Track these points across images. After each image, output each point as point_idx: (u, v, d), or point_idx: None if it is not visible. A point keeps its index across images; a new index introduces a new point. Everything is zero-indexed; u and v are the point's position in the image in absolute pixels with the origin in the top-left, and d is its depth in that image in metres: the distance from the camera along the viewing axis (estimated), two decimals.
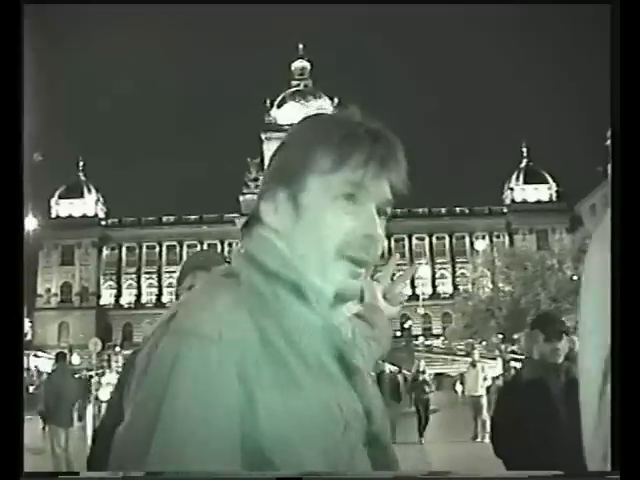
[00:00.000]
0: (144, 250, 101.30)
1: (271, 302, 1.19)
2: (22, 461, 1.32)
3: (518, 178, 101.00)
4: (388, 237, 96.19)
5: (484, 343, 52.19)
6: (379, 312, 1.83)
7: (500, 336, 50.82)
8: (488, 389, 19.36)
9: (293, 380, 1.13)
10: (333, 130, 1.27)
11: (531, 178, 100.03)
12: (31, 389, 14.44)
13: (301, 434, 1.11)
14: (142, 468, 1.04)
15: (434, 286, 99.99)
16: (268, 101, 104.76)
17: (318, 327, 1.21)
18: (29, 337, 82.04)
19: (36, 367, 42.94)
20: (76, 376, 14.73)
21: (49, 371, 16.92)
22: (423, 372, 20.43)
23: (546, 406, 4.12)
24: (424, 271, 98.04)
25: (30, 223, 50.10)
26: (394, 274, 1.99)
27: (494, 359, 51.62)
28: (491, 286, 53.92)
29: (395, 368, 21.08)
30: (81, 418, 20.56)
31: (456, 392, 35.76)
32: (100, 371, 29.51)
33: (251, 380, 1.10)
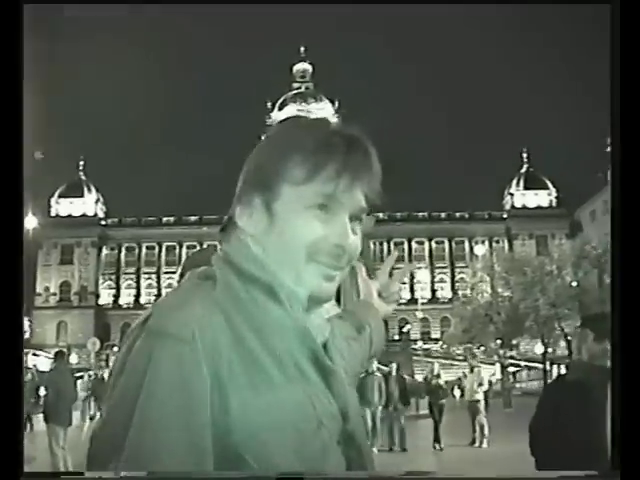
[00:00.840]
0: (144, 250, 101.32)
1: (246, 303, 1.21)
2: (22, 461, 1.32)
3: (518, 183, 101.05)
4: (388, 241, 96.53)
5: (482, 348, 52.11)
6: (373, 310, 1.85)
7: (499, 341, 50.79)
8: (486, 394, 19.30)
9: (266, 379, 1.15)
10: (308, 138, 1.26)
11: (531, 184, 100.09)
12: (42, 391, 14.32)
13: (273, 432, 1.13)
14: (117, 467, 1.06)
15: (433, 290, 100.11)
16: (269, 103, 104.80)
17: (291, 328, 1.22)
18: (27, 336, 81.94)
19: (34, 366, 42.96)
20: (78, 375, 14.69)
21: (48, 370, 16.89)
22: (438, 376, 19.90)
23: (590, 410, 3.77)
24: (423, 275, 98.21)
25: (30, 222, 50.03)
26: (392, 272, 1.99)
27: (492, 364, 51.59)
28: (490, 291, 53.85)
29: (402, 370, 20.48)
30: (92, 418, 20.47)
31: (454, 397, 35.65)
32: (99, 371, 29.47)
33: (224, 379, 1.12)
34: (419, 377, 33.79)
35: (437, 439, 17.93)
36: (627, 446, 1.02)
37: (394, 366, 18.79)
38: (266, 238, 1.28)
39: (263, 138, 1.36)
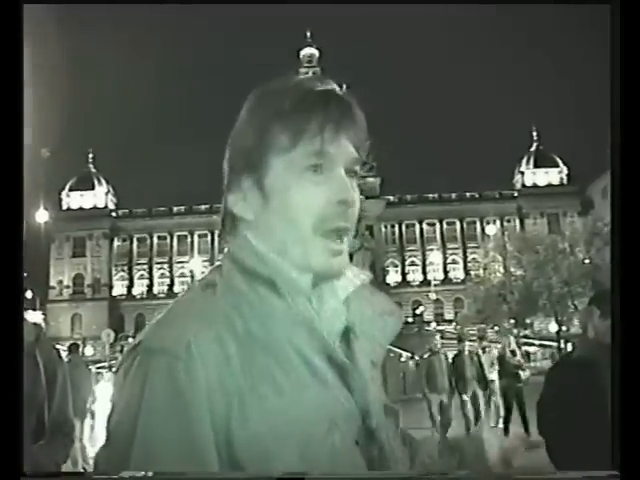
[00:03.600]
0: (155, 240, 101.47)
1: (249, 299, 1.18)
2: (22, 461, 1.32)
3: (528, 162, 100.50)
4: (399, 223, 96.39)
5: (496, 328, 52.17)
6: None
7: (512, 321, 50.78)
8: (500, 373, 19.09)
9: (271, 383, 1.12)
10: (283, 101, 1.22)
11: (541, 162, 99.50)
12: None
13: (276, 439, 1.09)
14: None
15: (445, 272, 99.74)
16: None
17: (296, 324, 1.17)
18: (43, 329, 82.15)
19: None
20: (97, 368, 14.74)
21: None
22: (514, 353, 15.52)
23: (594, 390, 3.59)
24: (435, 257, 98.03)
25: (41, 216, 50.20)
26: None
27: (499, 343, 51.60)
28: (503, 271, 53.86)
29: (475, 346, 17.17)
30: None
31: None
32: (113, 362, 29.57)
33: (226, 389, 1.09)
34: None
35: (506, 428, 14.25)
36: (627, 446, 1.12)
37: (465, 344, 15.51)
38: (263, 220, 1.24)
39: (238, 118, 1.30)
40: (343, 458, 1.17)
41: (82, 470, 11.32)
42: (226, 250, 1.29)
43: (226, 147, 1.30)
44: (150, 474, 1.06)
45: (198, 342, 1.10)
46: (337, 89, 1.28)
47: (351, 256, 1.29)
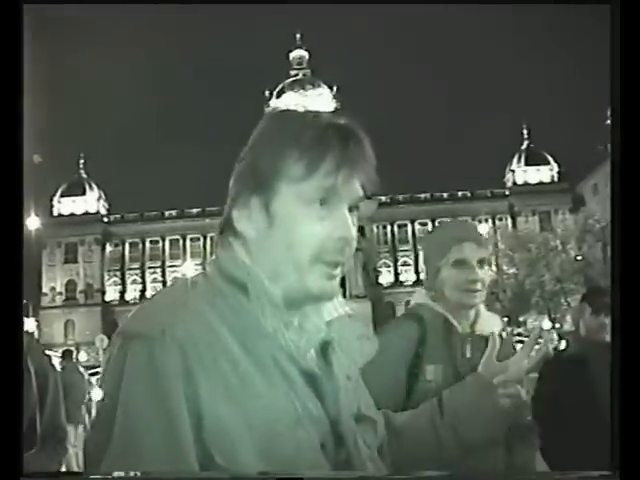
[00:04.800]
0: (147, 245, 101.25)
1: (227, 304, 1.23)
2: (22, 461, 1.32)
3: (519, 160, 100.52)
4: (391, 223, 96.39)
5: None
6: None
7: (505, 319, 50.87)
8: None
9: (240, 378, 1.17)
10: (302, 132, 1.26)
11: (532, 159, 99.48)
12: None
13: (242, 431, 1.14)
14: (104, 467, 1.11)
15: None
16: (267, 91, 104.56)
17: (265, 329, 1.23)
18: (36, 336, 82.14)
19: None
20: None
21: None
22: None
23: (585, 388, 3.70)
24: None
25: (33, 222, 50.04)
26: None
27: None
28: (495, 269, 53.90)
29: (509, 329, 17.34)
30: None
31: None
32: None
33: (196, 376, 1.14)
34: None
35: None
36: (627, 446, 1.07)
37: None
38: (264, 240, 1.28)
39: (252, 135, 1.34)
40: (307, 457, 1.21)
41: None
42: (214, 257, 1.34)
43: (237, 161, 1.33)
44: (144, 474, 1.10)
45: (172, 326, 1.14)
46: (355, 126, 1.31)
47: (342, 280, 1.36)
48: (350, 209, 1.30)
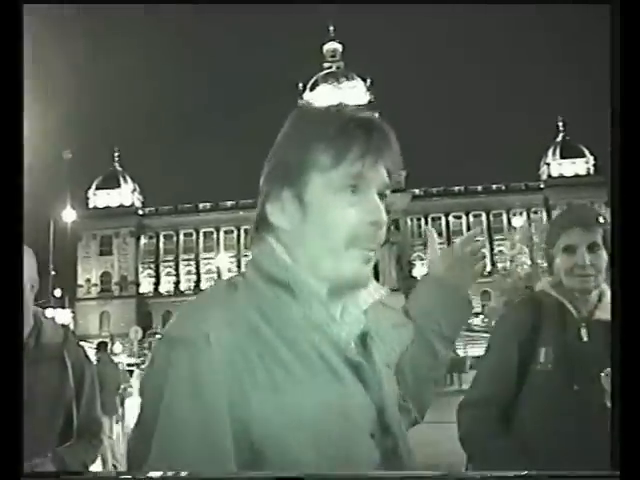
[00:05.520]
0: (181, 237, 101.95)
1: (267, 302, 1.25)
2: (22, 461, 1.33)
3: (555, 153, 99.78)
4: (425, 216, 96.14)
5: None
6: (436, 287, 1.79)
7: None
8: None
9: (289, 377, 1.19)
10: (328, 125, 1.30)
11: (568, 152, 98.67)
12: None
13: (293, 430, 1.16)
14: (146, 469, 1.14)
15: None
16: (300, 84, 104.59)
17: (312, 324, 1.26)
18: (72, 327, 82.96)
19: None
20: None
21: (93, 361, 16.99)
22: None
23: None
24: None
25: (69, 215, 50.68)
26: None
27: None
28: (530, 263, 53.52)
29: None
30: None
31: None
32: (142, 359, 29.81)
33: (243, 381, 1.15)
34: (461, 352, 33.42)
35: None
36: (627, 446, 1.06)
37: None
38: (300, 232, 1.31)
39: (279, 135, 1.38)
40: (359, 448, 1.25)
41: (112, 468, 11.39)
42: (250, 256, 1.38)
43: (266, 161, 1.37)
44: (155, 474, 1.12)
45: (218, 332, 1.17)
46: (377, 119, 1.36)
47: (376, 273, 1.38)
48: (380, 196, 1.34)
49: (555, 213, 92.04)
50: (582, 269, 2.60)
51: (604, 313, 2.58)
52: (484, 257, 1.81)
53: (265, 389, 1.16)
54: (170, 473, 1.11)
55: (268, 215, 1.34)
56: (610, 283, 2.62)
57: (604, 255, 2.59)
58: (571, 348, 2.57)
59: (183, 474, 1.11)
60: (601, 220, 2.62)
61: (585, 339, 2.58)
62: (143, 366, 23.71)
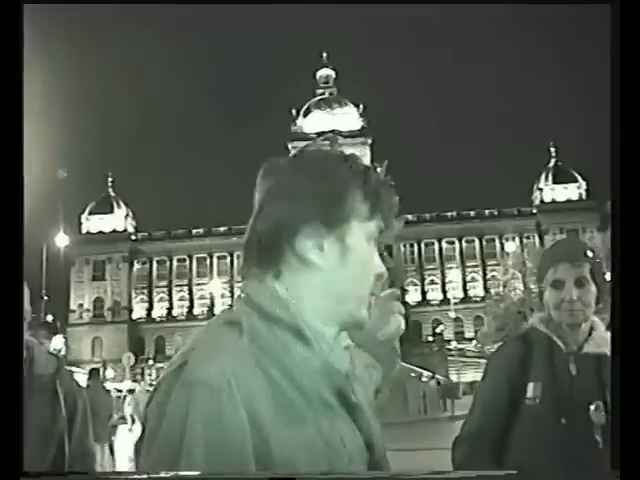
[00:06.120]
0: (174, 263, 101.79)
1: (272, 345, 1.26)
2: (22, 461, 1.33)
3: (547, 178, 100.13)
4: (418, 242, 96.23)
5: None
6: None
7: None
8: None
9: (298, 418, 1.22)
10: (364, 178, 1.38)
11: (560, 177, 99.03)
12: (115, 417, 13.95)
13: (310, 468, 1.20)
14: None
15: (465, 290, 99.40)
16: (294, 110, 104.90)
17: (318, 367, 1.28)
18: (63, 352, 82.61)
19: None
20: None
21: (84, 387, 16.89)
22: None
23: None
24: (455, 275, 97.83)
25: (61, 240, 50.59)
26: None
27: None
28: (523, 288, 53.55)
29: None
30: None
31: None
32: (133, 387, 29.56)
33: (261, 419, 1.18)
34: (454, 378, 33.32)
35: None
36: (627, 446, 1.07)
37: None
38: (335, 271, 1.35)
39: (303, 166, 1.40)
40: None
41: None
42: (242, 294, 1.38)
43: (290, 195, 1.36)
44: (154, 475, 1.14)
45: (236, 376, 1.19)
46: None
47: None
48: None
49: (548, 238, 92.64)
50: (570, 304, 2.63)
51: (594, 346, 2.62)
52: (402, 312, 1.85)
53: (282, 429, 1.19)
54: (170, 473, 1.12)
55: (303, 251, 1.33)
56: (610, 284, 2.64)
57: (592, 289, 2.65)
58: (559, 382, 2.60)
59: (183, 474, 1.12)
60: (589, 254, 2.67)
61: (574, 373, 2.61)
62: (136, 394, 23.51)
